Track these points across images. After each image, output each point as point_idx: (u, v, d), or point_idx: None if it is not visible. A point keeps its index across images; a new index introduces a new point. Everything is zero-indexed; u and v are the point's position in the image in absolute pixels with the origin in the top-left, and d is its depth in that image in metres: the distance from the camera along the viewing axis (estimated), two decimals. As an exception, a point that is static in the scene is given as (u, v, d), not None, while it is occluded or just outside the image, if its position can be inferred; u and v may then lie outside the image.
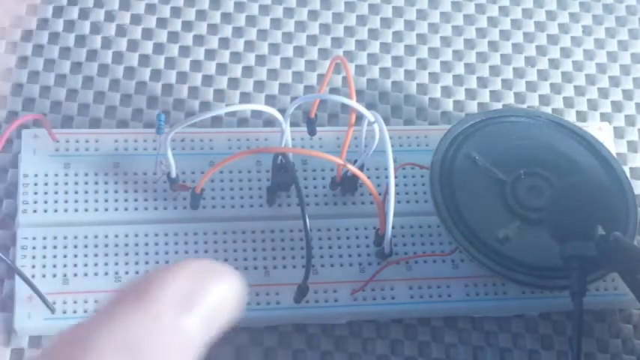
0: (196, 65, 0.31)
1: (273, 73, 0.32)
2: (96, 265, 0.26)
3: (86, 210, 0.27)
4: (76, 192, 0.27)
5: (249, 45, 0.32)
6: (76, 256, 0.26)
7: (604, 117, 0.32)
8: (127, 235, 0.27)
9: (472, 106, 0.32)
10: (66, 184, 0.27)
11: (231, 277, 0.16)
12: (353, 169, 0.26)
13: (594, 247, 0.26)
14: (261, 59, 0.32)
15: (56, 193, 0.27)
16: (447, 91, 0.32)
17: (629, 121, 0.32)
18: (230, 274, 0.16)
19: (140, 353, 0.14)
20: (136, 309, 0.15)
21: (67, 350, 0.14)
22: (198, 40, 0.32)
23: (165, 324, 0.15)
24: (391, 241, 0.27)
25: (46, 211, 0.27)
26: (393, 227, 0.26)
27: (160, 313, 0.15)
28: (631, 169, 0.31)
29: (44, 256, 0.26)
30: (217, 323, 0.16)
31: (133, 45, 0.31)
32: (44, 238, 0.27)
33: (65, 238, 0.27)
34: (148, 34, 0.32)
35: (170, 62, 0.31)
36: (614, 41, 0.34)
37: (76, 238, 0.27)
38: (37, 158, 0.28)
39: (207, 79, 0.31)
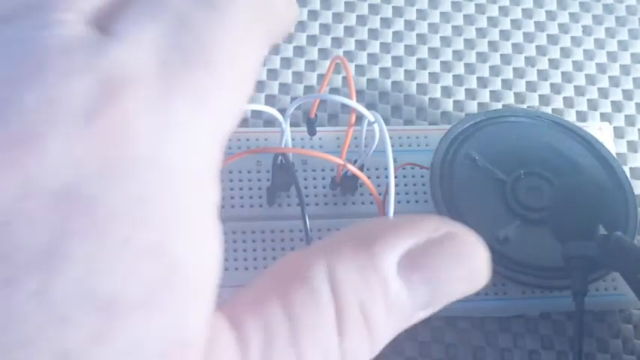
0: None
1: (273, 73, 0.32)
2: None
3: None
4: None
5: (249, 45, 0.32)
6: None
7: (604, 117, 0.32)
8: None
9: (472, 106, 0.32)
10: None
11: (477, 248, 0.15)
12: (353, 169, 0.26)
13: (596, 247, 0.26)
14: (261, 59, 0.32)
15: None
16: (447, 91, 0.32)
17: (629, 121, 0.32)
18: (476, 244, 0.15)
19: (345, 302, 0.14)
20: (356, 260, 0.14)
21: None
22: (198, 40, 0.32)
23: (381, 288, 0.14)
24: (391, 241, 0.27)
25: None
26: (393, 227, 0.26)
27: (378, 274, 0.14)
28: (631, 169, 0.31)
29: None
30: (442, 299, 0.15)
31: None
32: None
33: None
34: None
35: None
36: (614, 41, 0.34)
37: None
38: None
39: (207, 79, 0.31)
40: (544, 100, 0.32)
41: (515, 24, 0.34)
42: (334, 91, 0.31)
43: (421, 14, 0.33)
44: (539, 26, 0.34)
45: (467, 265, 0.15)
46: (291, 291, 0.14)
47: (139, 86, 0.13)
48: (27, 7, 0.13)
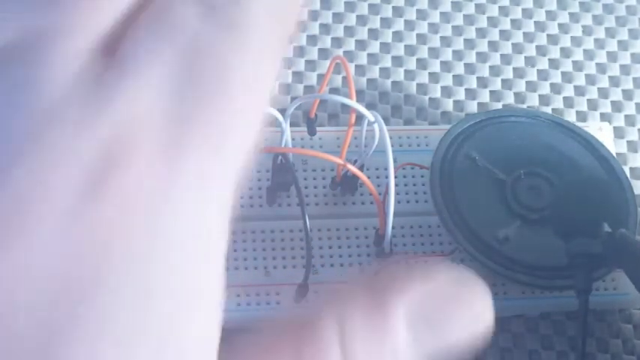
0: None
1: (273, 73, 0.32)
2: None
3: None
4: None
5: (249, 45, 0.32)
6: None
7: (604, 117, 0.32)
8: (127, 235, 0.27)
9: (472, 106, 0.32)
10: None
11: (482, 300, 0.16)
12: (353, 169, 0.26)
13: (600, 245, 0.26)
14: (261, 59, 0.32)
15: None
16: (447, 91, 0.32)
17: (629, 121, 0.32)
18: (482, 294, 0.16)
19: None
20: (368, 323, 0.14)
21: None
22: (198, 40, 0.32)
23: (389, 339, 0.14)
24: (391, 241, 0.27)
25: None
26: (393, 227, 0.26)
27: (387, 324, 0.15)
28: (631, 169, 0.31)
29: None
30: (444, 348, 0.16)
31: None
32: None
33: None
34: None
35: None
36: (614, 41, 0.34)
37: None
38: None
39: (207, 79, 0.31)
40: (544, 100, 0.32)
41: (515, 24, 0.34)
42: (334, 91, 0.31)
43: (421, 14, 0.33)
44: (539, 26, 0.34)
45: (472, 320, 0.16)
46: (304, 348, 0.14)
47: (145, 144, 0.11)
48: (22, 41, 0.11)
